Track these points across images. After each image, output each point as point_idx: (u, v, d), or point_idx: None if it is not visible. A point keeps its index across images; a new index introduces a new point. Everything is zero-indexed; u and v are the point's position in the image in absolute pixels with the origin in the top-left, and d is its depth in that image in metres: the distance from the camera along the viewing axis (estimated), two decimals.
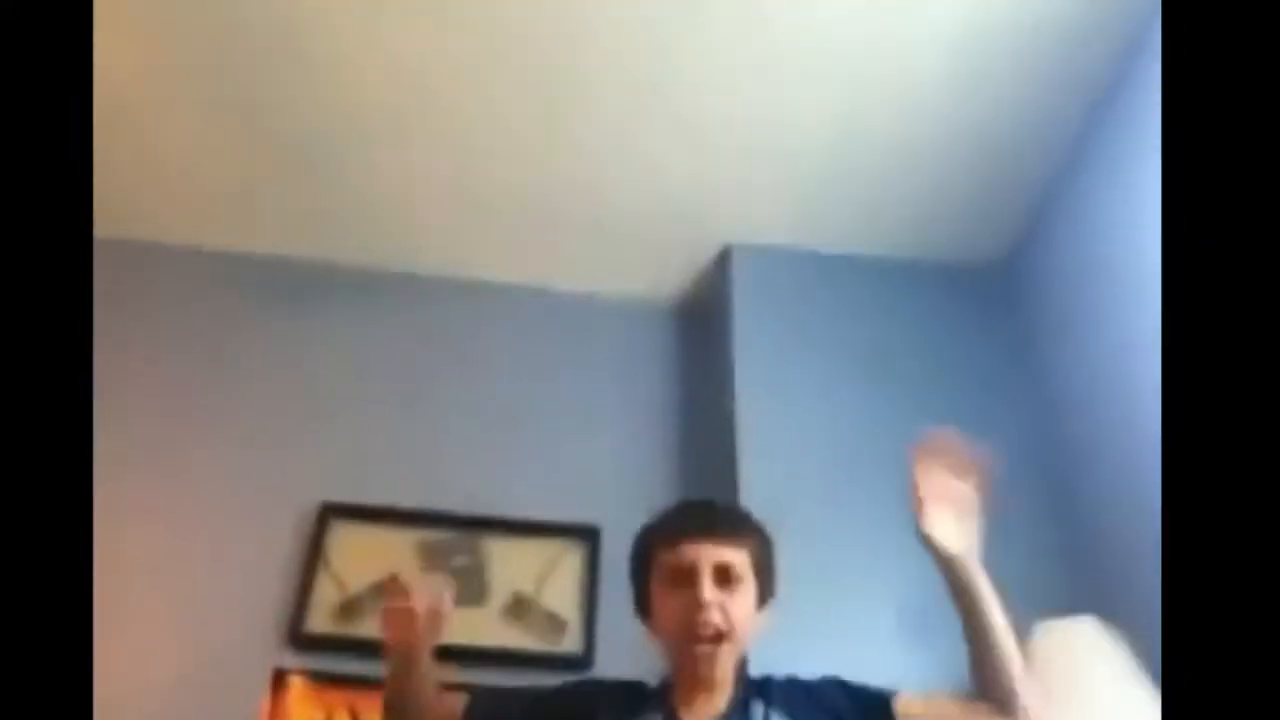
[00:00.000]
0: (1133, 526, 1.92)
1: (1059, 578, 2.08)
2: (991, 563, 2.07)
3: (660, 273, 2.62)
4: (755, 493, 2.15)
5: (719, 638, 1.38)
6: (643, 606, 1.49)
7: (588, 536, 2.25)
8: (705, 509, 1.56)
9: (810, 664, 1.93)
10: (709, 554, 1.41)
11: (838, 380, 2.32)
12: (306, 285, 2.53)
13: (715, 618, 1.38)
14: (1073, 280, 2.24)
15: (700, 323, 2.62)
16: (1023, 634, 1.73)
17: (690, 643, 1.38)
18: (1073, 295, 2.24)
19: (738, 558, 1.43)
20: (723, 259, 2.54)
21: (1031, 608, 1.86)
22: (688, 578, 1.40)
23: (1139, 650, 1.68)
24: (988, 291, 2.51)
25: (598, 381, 2.51)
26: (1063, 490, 2.20)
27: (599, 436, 2.42)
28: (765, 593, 1.47)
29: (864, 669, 1.94)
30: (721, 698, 1.41)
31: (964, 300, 2.50)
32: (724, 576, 1.41)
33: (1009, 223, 2.47)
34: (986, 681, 1.33)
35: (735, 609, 1.40)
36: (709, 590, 1.39)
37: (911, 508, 1.36)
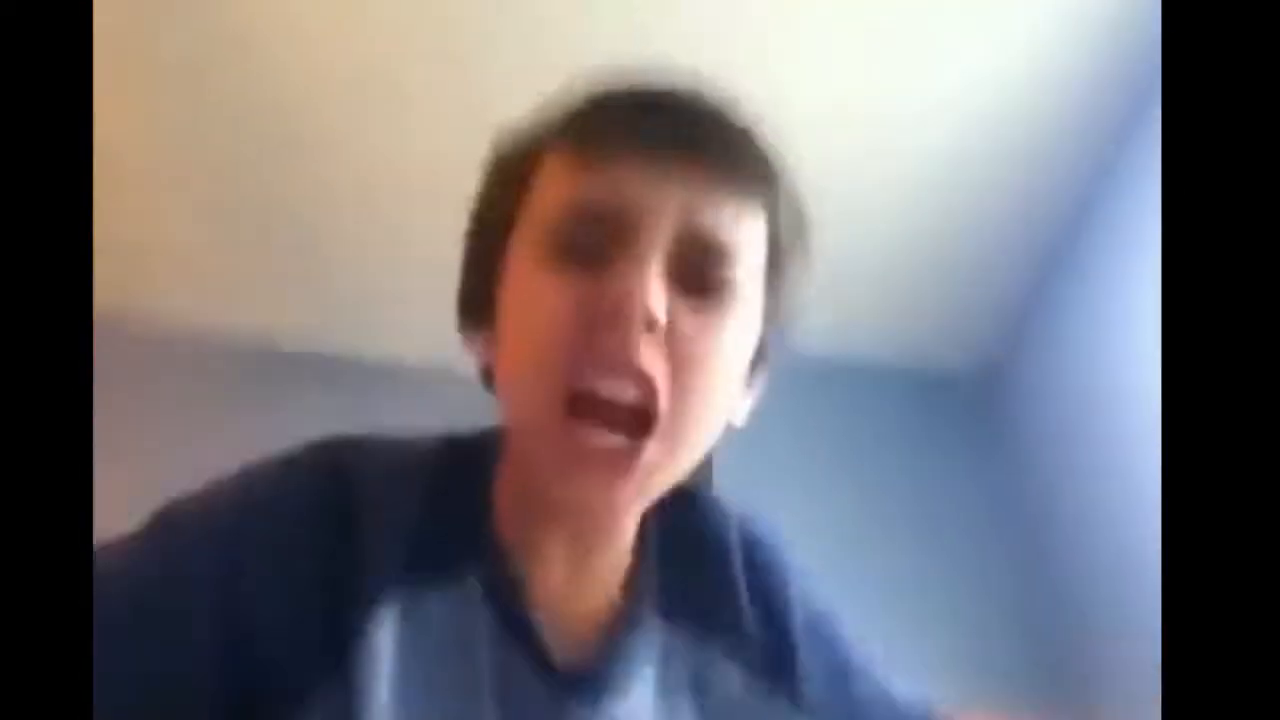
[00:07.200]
0: (1121, 637, 1.91)
1: (1042, 668, 2.07)
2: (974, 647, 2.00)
3: None
4: None
5: (645, 422, 0.60)
6: (476, 306, 0.70)
7: None
8: (672, 102, 0.65)
9: None
10: (678, 201, 0.60)
11: (820, 481, 2.30)
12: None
13: (647, 363, 0.59)
14: (1059, 387, 2.25)
15: None
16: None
17: (574, 418, 0.60)
18: (1060, 402, 2.24)
19: (736, 227, 0.62)
20: None
21: (1018, 691, 1.83)
22: (610, 244, 0.60)
23: None
24: (972, 398, 2.52)
25: None
26: (1047, 598, 2.20)
27: None
28: (774, 319, 0.68)
29: None
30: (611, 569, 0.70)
31: (949, 407, 2.49)
32: (696, 268, 0.61)
33: (994, 330, 2.45)
34: None
35: (700, 348, 0.61)
36: (653, 291, 0.58)
37: None
